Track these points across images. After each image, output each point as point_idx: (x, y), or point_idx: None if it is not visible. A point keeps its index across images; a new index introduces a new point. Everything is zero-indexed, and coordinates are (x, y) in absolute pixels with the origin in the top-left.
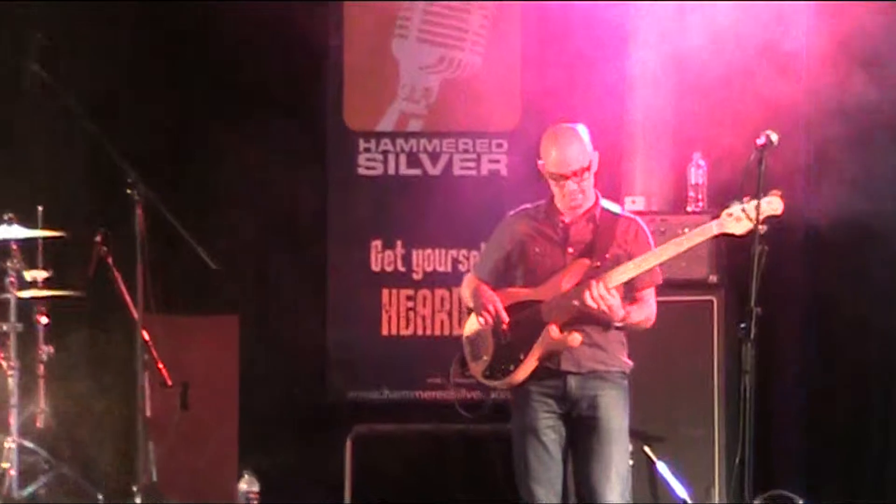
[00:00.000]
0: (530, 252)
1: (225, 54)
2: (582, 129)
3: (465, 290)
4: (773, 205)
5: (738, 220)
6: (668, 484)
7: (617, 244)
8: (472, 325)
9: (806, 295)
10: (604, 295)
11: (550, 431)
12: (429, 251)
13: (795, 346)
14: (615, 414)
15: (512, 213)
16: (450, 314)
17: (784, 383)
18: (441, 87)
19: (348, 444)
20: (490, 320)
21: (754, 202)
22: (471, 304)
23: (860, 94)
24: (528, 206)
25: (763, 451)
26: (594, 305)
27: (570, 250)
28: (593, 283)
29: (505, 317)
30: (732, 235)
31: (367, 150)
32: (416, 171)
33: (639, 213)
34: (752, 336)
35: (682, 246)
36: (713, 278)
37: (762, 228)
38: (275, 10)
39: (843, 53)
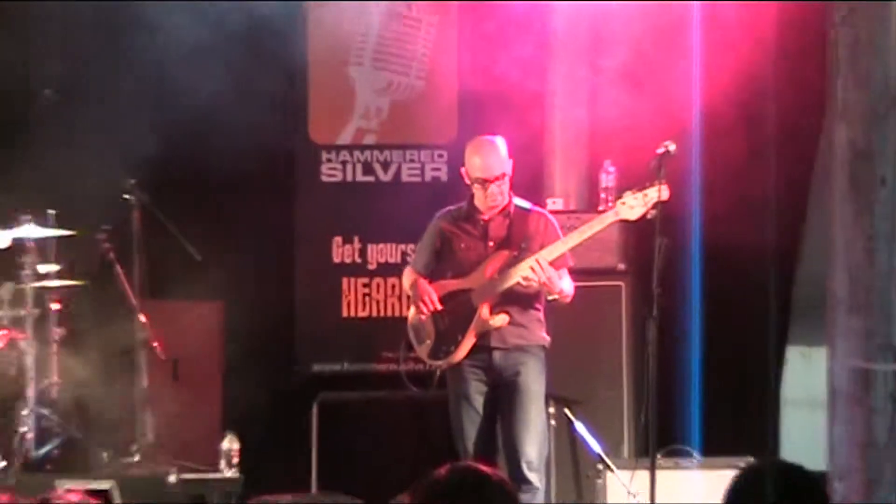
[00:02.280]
0: (456, 247)
1: (209, 82)
2: (500, 141)
3: (405, 281)
4: (661, 192)
5: (630, 207)
6: (585, 441)
7: (530, 236)
8: (413, 314)
9: (698, 281)
10: (545, 267)
11: (480, 398)
12: (381, 245)
13: (689, 324)
14: (533, 379)
15: (438, 214)
16: (399, 298)
17: (681, 355)
18: (391, 107)
19: (315, 408)
20: (427, 311)
21: (643, 192)
22: (410, 294)
23: (751, 111)
24: (451, 207)
25: (664, 413)
26: (538, 277)
27: (491, 244)
28: (536, 259)
29: (439, 306)
30: (628, 220)
31: (329, 160)
32: (370, 178)
33: (557, 211)
34: (653, 314)
35: (587, 232)
36: (621, 266)
37: (652, 213)
38: (251, 44)
39: (737, 73)
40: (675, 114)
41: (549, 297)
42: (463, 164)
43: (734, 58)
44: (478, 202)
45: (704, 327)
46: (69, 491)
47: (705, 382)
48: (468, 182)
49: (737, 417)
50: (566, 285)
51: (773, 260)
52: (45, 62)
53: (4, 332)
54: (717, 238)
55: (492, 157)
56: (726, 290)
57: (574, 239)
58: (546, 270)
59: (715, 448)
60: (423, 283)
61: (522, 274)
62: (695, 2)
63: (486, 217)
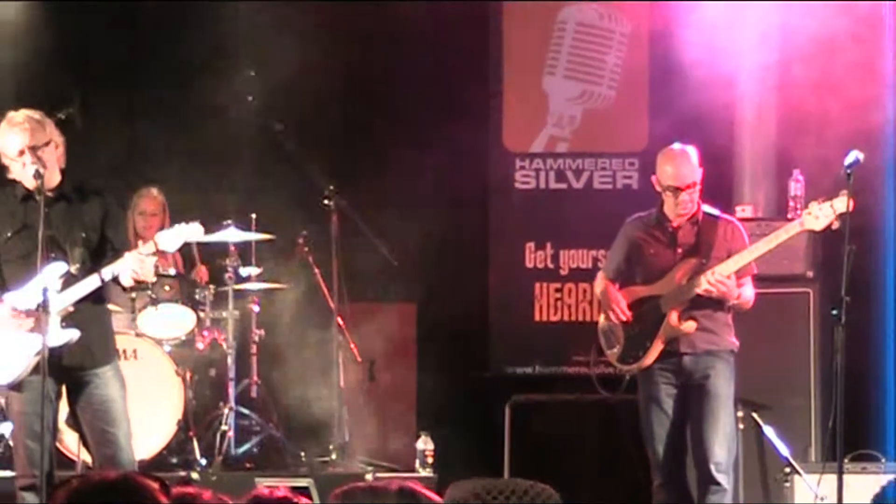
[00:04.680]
0: (645, 253)
1: (407, 91)
2: (692, 150)
3: (597, 287)
4: (842, 203)
5: (815, 217)
6: (773, 444)
7: (718, 243)
8: (604, 320)
9: (892, 289)
10: (721, 279)
11: (670, 400)
12: (573, 251)
13: (882, 330)
14: (723, 383)
15: (628, 220)
16: (591, 303)
17: (873, 362)
18: (583, 116)
19: (507, 410)
20: (616, 319)
21: (829, 202)
22: (601, 301)
23: None
24: (641, 214)
25: (853, 419)
26: (715, 289)
27: (679, 251)
28: (710, 272)
29: (628, 314)
30: (813, 231)
31: (523, 167)
32: (562, 185)
33: (746, 219)
34: (842, 321)
35: (773, 242)
36: (810, 273)
37: (836, 223)
38: (449, 56)
39: None
40: (866, 121)
41: (728, 304)
42: (654, 172)
43: None
44: (667, 209)
45: None
46: (276, 488)
47: None
48: (659, 189)
49: None
50: (746, 293)
51: None
52: (275, 98)
53: (206, 333)
54: None
55: (684, 166)
56: None
57: (760, 249)
58: (725, 282)
59: None
60: (613, 290)
61: (702, 287)
62: (887, 2)
63: (675, 224)
